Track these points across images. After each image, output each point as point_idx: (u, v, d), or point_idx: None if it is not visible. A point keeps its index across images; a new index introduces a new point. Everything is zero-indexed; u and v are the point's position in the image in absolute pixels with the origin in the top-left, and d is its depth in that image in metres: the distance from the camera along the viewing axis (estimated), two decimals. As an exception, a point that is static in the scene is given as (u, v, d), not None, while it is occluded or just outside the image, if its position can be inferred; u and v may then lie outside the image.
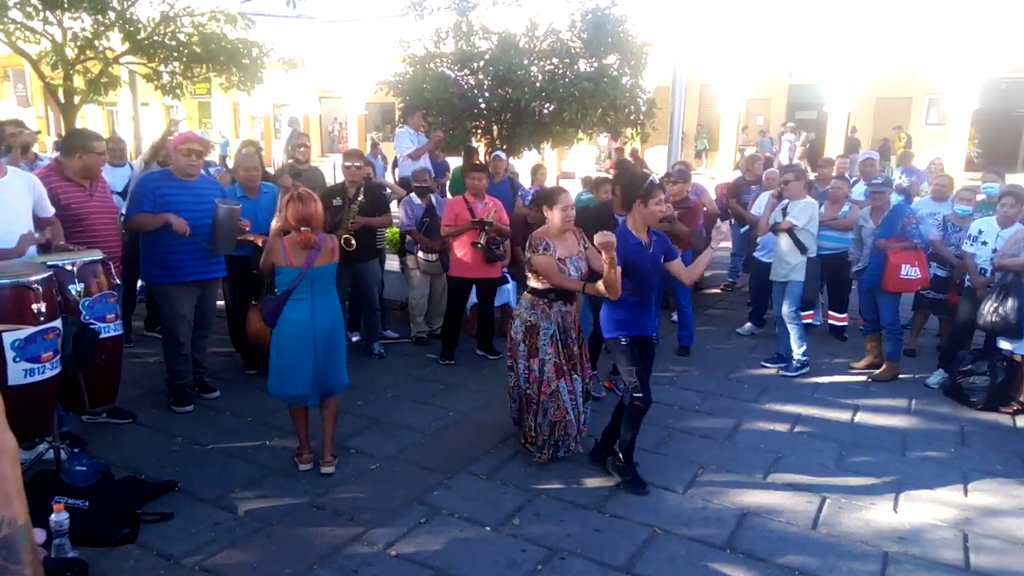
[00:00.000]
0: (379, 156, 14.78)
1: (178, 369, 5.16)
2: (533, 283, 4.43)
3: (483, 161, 8.55)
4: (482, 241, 6.12)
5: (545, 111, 8.90)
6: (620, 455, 4.24)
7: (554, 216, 4.33)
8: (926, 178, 8.93)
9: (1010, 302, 5.24)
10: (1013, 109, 21.38)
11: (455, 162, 9.73)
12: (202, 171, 5.35)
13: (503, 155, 8.64)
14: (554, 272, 4.28)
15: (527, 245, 4.44)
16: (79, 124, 10.44)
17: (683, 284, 4.53)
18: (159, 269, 4.99)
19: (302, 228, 4.04)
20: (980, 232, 5.75)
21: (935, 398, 5.73)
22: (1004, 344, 5.46)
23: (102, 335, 3.91)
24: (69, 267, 3.84)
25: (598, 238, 3.75)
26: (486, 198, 6.34)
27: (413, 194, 6.78)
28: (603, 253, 3.79)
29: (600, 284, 4.02)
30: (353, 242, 5.70)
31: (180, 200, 4.88)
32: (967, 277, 5.88)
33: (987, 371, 5.44)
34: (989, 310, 5.34)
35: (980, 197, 6.56)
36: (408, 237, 6.82)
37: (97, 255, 4.05)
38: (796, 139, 21.34)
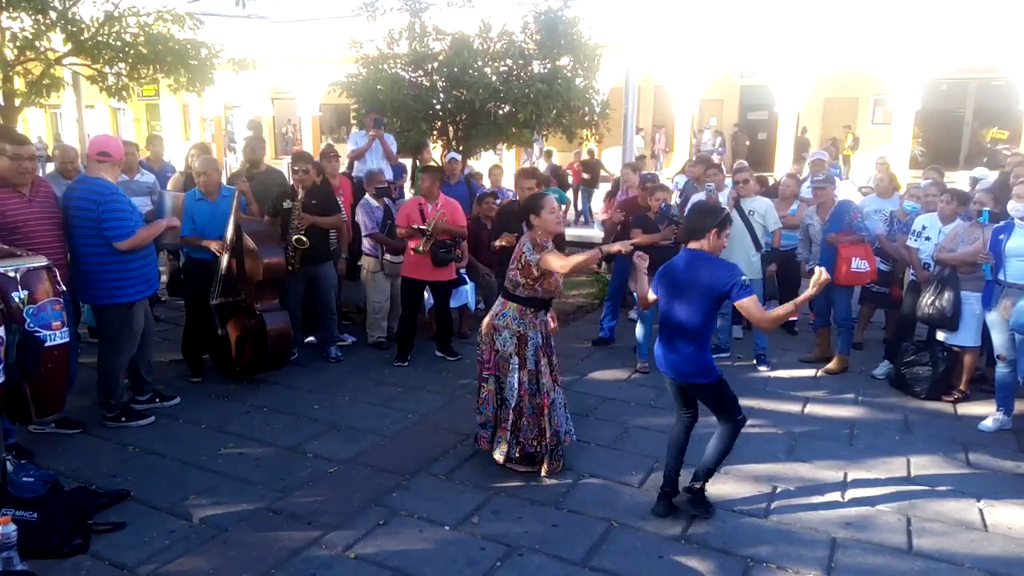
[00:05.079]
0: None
1: (118, 390, 4.99)
2: (520, 292, 4.27)
3: (438, 162, 8.53)
4: (422, 247, 6.08)
5: (500, 112, 8.93)
6: (702, 483, 3.99)
7: (547, 221, 4.20)
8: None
9: (946, 295, 5.43)
10: (954, 109, 22.14)
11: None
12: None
13: (458, 156, 8.64)
14: (570, 260, 4.16)
15: (533, 249, 4.22)
16: (20, 127, 10.11)
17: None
18: (139, 284, 4.82)
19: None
20: (924, 228, 5.94)
21: (881, 388, 5.92)
22: (940, 336, 5.66)
23: (47, 343, 3.81)
24: (12, 274, 3.73)
25: (817, 279, 3.50)
26: (440, 199, 6.32)
27: (370, 197, 6.72)
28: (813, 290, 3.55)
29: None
30: (305, 239, 5.88)
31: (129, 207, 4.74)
32: (911, 271, 6.08)
33: (929, 362, 5.64)
34: (927, 303, 5.53)
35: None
36: (365, 241, 6.74)
37: (42, 261, 3.94)
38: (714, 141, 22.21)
